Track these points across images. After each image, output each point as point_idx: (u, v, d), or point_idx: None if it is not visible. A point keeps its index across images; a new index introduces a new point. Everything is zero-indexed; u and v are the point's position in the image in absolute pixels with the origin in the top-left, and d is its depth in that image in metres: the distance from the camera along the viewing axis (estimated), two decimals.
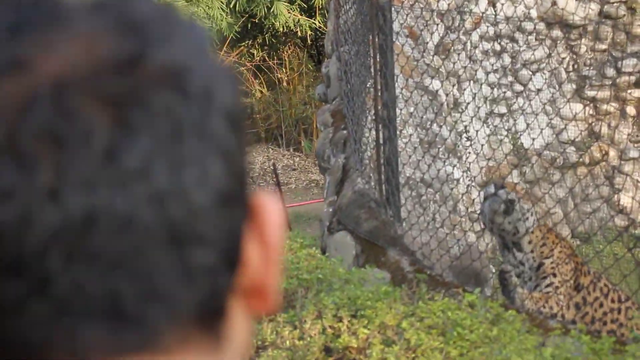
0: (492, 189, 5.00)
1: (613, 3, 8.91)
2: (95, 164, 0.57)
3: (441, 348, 3.91)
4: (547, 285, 4.88)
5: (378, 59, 5.37)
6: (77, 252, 0.57)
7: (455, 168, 6.58)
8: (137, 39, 0.60)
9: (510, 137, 8.35)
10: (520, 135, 8.11)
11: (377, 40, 5.39)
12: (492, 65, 8.41)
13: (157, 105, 0.59)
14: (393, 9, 5.37)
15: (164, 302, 0.59)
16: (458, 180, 6.43)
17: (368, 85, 5.95)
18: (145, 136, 0.58)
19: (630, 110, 8.94)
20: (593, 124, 8.91)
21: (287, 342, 4.20)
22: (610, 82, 8.91)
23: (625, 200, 8.56)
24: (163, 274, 0.58)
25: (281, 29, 12.70)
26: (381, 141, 5.51)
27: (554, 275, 4.91)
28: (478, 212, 5.91)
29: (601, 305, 4.99)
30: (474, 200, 7.27)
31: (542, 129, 6.57)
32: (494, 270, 5.43)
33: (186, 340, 0.60)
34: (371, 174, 5.69)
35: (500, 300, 4.37)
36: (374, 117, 5.66)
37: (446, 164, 6.30)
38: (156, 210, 0.58)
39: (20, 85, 0.58)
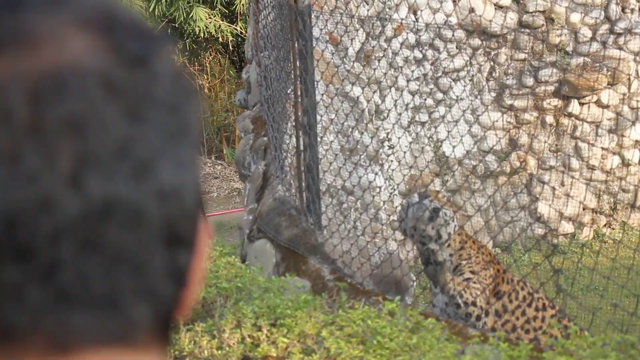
0: (416, 198, 5.02)
1: (532, 13, 9.01)
2: (112, 154, 0.58)
3: (361, 357, 3.86)
4: (464, 280, 4.92)
5: (298, 65, 5.32)
6: (90, 241, 0.58)
7: (376, 176, 6.56)
8: (144, 38, 0.62)
9: (432, 145, 8.37)
10: (442, 143, 8.14)
11: (296, 45, 5.34)
12: (413, 72, 8.42)
13: (166, 102, 0.61)
14: (313, 14, 5.32)
15: (152, 298, 0.60)
16: (380, 188, 6.41)
17: (289, 92, 5.90)
18: (154, 131, 0.59)
19: (549, 119, 9.04)
20: (513, 132, 8.98)
21: (206, 352, 4.11)
22: (529, 91, 9.00)
23: (543, 209, 8.64)
24: (157, 271, 0.60)
25: (202, 35, 12.58)
26: (301, 148, 5.46)
27: (472, 272, 4.95)
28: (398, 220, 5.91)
29: (523, 313, 5.00)
30: (396, 208, 7.27)
31: (462, 137, 6.58)
32: (414, 279, 5.41)
33: (152, 341, 0.61)
34: (292, 181, 5.63)
35: (420, 309, 4.34)
36: (294, 124, 5.60)
37: (367, 171, 6.28)
38: (160, 207, 0.59)
39: (38, 64, 0.58)
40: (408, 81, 8.27)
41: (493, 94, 8.98)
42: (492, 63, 9.01)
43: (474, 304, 4.88)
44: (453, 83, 8.72)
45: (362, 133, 6.60)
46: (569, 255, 7.43)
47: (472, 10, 8.54)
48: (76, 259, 0.57)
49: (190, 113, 0.62)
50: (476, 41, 8.91)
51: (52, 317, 0.58)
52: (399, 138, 7.49)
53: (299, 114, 5.46)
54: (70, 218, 0.57)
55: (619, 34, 9.11)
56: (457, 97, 8.09)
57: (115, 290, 0.59)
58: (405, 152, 7.46)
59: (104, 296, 0.59)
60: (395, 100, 7.01)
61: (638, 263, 6.08)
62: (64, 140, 0.57)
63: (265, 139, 6.31)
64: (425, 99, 8.52)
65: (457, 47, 8.75)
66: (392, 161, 7.47)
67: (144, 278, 0.60)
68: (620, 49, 9.05)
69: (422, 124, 8.46)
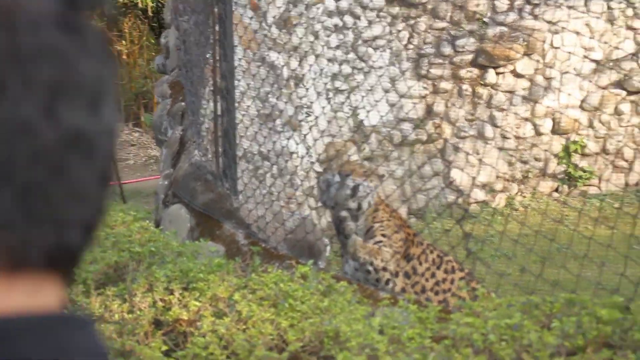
0: (337, 178, 5.04)
1: None
2: (78, 87, 0.63)
3: (272, 319, 3.90)
4: (376, 243, 4.98)
5: (217, 29, 5.30)
6: (59, 168, 0.62)
7: (291, 141, 6.57)
8: None
9: (350, 113, 8.41)
10: (360, 111, 8.19)
11: (216, 9, 5.31)
12: (333, 40, 8.43)
13: (94, 40, 0.66)
14: None
15: (85, 230, 0.65)
16: (294, 154, 6.43)
17: (207, 56, 5.87)
18: (101, 70, 0.65)
19: (466, 88, 9.14)
20: (430, 101, 9.07)
21: (116, 316, 4.10)
22: (448, 61, 9.08)
23: (457, 176, 8.75)
24: (93, 204, 0.64)
25: (120, 0, 12.41)
26: (219, 113, 5.45)
27: (383, 236, 5.01)
28: (315, 189, 5.93)
29: (433, 275, 5.09)
30: (316, 176, 7.30)
31: (376, 102, 6.62)
32: (327, 243, 5.46)
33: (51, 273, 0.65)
34: (208, 147, 5.62)
35: (332, 272, 4.38)
36: (212, 89, 5.58)
37: (283, 137, 6.29)
38: (106, 143, 0.63)
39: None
40: (328, 49, 8.29)
41: (411, 63, 9.04)
42: (411, 31, 9.06)
43: (384, 269, 4.95)
44: (372, 51, 8.75)
45: (277, 97, 6.61)
46: (480, 220, 7.56)
47: None
48: (47, 183, 0.61)
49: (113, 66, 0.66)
50: (396, 9, 8.95)
51: (17, 234, 0.62)
52: (322, 107, 7.51)
53: (217, 78, 5.44)
54: (46, 144, 0.61)
55: (536, 5, 9.23)
56: (378, 66, 8.13)
57: (66, 216, 0.63)
58: (325, 120, 7.49)
59: (59, 220, 0.63)
60: (312, 67, 7.02)
61: (545, 228, 6.22)
62: (40, 69, 0.62)
63: (183, 104, 6.28)
64: (343, 67, 8.54)
65: (377, 15, 8.78)
66: (310, 128, 7.49)
67: (85, 209, 0.64)
68: (536, 19, 9.17)
69: (342, 92, 8.48)
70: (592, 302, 3.79)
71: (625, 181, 9.48)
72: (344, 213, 4.94)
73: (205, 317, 3.94)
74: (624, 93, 9.41)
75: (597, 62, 9.30)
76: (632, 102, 9.43)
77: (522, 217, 7.86)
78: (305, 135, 6.93)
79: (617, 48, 9.31)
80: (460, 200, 8.38)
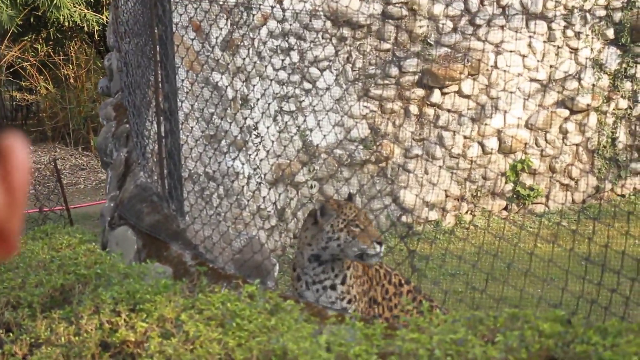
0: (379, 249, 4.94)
1: (395, 4, 9.16)
2: None
3: (220, 339, 3.89)
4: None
5: (158, 50, 5.30)
6: None
7: (237, 162, 6.58)
8: None
9: (299, 134, 8.44)
10: (309, 132, 8.21)
11: (156, 30, 5.31)
12: (281, 62, 8.46)
13: None
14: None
15: None
16: (240, 174, 6.43)
17: (150, 78, 5.86)
18: None
19: (414, 109, 9.21)
20: (378, 122, 9.13)
21: (63, 339, 4.07)
22: (394, 81, 9.16)
23: (407, 196, 8.81)
24: None
25: (67, 24, 12.35)
26: (163, 134, 5.44)
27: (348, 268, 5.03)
28: (265, 207, 5.92)
29: (387, 292, 5.12)
30: (264, 197, 7.31)
31: (321, 123, 6.65)
32: (275, 263, 5.46)
33: None
34: (153, 168, 5.60)
35: (279, 291, 4.38)
36: (155, 110, 5.57)
37: (229, 158, 6.29)
38: None
39: None
40: (272, 70, 8.31)
41: (359, 84, 9.10)
42: (357, 53, 9.13)
43: (353, 297, 4.99)
44: (319, 73, 8.80)
45: (222, 119, 6.61)
46: (427, 237, 7.61)
47: None
48: None
49: None
50: (343, 31, 9.01)
51: None
52: (267, 127, 7.53)
53: (160, 100, 5.43)
54: None
55: (478, 26, 9.35)
56: (326, 87, 8.17)
57: None
58: (273, 141, 7.50)
59: None
60: (255, 87, 7.04)
61: (493, 246, 6.29)
62: None
63: (127, 126, 6.26)
64: (293, 89, 8.57)
65: (322, 37, 8.84)
66: (259, 150, 7.51)
67: None
68: (479, 40, 9.29)
69: (290, 113, 8.51)
70: (535, 316, 3.84)
71: (572, 199, 9.61)
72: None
73: (152, 338, 3.92)
74: (567, 112, 9.55)
75: (540, 82, 9.44)
76: (576, 121, 9.57)
77: (471, 236, 7.94)
78: (251, 156, 6.95)
79: (558, 68, 9.45)
80: (405, 218, 8.44)
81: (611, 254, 4.29)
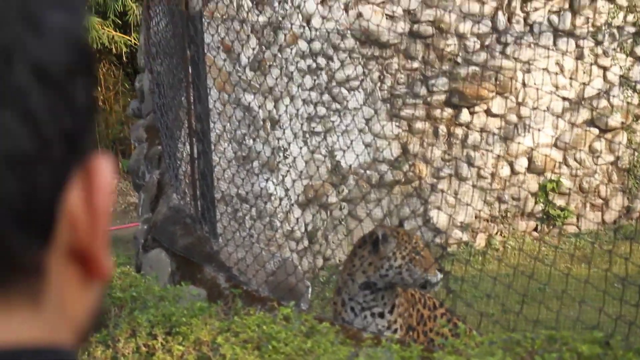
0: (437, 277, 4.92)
1: (422, 22, 9.16)
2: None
3: None
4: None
5: (190, 72, 5.32)
6: None
7: (270, 183, 6.59)
8: None
9: (327, 155, 8.43)
10: (337, 153, 8.21)
11: (188, 52, 5.34)
12: (307, 81, 8.47)
13: None
14: (204, 20, 5.33)
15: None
16: (272, 195, 6.43)
17: (182, 99, 5.89)
18: None
19: (441, 128, 9.20)
20: (406, 141, 9.11)
21: None
22: (422, 101, 9.15)
23: (437, 217, 8.78)
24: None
25: (95, 46, 12.43)
26: (195, 156, 5.45)
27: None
28: (297, 228, 5.90)
29: (422, 316, 5.09)
30: (297, 218, 7.31)
31: (351, 143, 6.65)
32: (309, 285, 5.45)
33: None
34: (186, 190, 5.62)
35: (314, 313, 4.38)
36: (187, 131, 5.59)
37: (261, 179, 6.30)
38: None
39: None
40: (302, 90, 8.32)
41: (387, 104, 9.10)
42: (384, 72, 9.13)
43: (399, 327, 4.97)
44: (347, 93, 8.80)
45: (254, 140, 6.63)
46: (459, 259, 7.59)
47: (359, 15, 8.65)
48: None
49: None
50: (369, 50, 9.01)
51: None
52: (300, 148, 7.54)
53: (193, 121, 5.45)
54: None
55: (506, 44, 9.33)
56: (353, 107, 8.17)
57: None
58: (303, 162, 7.50)
59: None
60: (287, 108, 7.05)
61: (525, 267, 6.24)
62: None
63: (160, 147, 6.28)
64: (321, 110, 8.57)
65: (349, 57, 8.84)
66: (288, 170, 7.52)
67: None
68: (507, 58, 9.27)
69: (318, 134, 8.51)
70: (573, 338, 3.82)
71: (603, 219, 9.55)
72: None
73: None
74: (597, 131, 9.50)
75: (569, 100, 9.40)
76: (606, 139, 9.52)
77: (502, 257, 7.90)
78: (283, 177, 6.95)
79: (587, 86, 9.41)
80: (438, 239, 8.41)
81: None
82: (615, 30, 9.53)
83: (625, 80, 9.53)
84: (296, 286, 5.08)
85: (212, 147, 5.65)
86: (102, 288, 0.65)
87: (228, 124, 6.34)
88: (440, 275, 4.81)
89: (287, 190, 7.05)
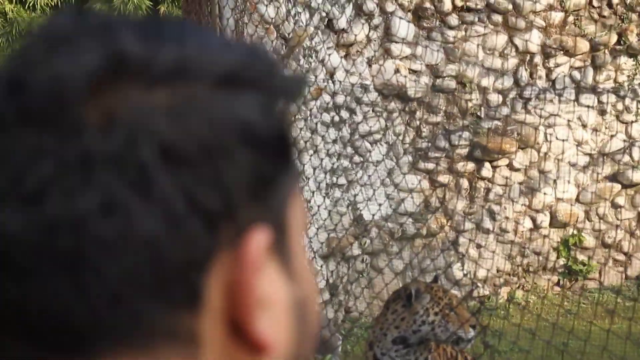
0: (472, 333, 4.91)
1: (445, 77, 9.20)
2: (6, 184, 0.59)
3: None
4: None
5: None
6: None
7: None
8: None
9: (350, 208, 8.43)
10: (360, 206, 8.20)
11: None
12: (330, 135, 8.49)
13: (68, 130, 0.59)
14: None
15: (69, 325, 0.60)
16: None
17: None
18: (50, 160, 0.59)
19: (464, 182, 9.19)
20: (429, 196, 9.10)
21: None
22: (444, 155, 9.15)
23: (458, 272, 8.75)
24: (61, 297, 0.59)
25: None
26: None
27: None
28: (319, 280, 5.85)
29: None
30: (318, 272, 7.28)
31: (373, 196, 6.63)
32: (340, 338, 5.40)
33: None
34: None
35: None
36: None
37: None
38: (44, 236, 0.59)
39: None
40: (325, 143, 8.34)
41: (410, 158, 9.10)
42: (407, 126, 9.15)
43: None
44: (369, 146, 8.81)
45: None
46: (494, 313, 7.55)
47: (382, 69, 8.69)
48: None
49: (115, 137, 0.61)
50: (392, 104, 9.04)
51: None
52: (322, 199, 7.52)
53: None
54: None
55: (528, 99, 9.36)
56: (376, 160, 8.18)
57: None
58: (325, 214, 7.49)
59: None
60: (310, 161, 7.04)
61: (550, 322, 6.18)
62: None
63: None
64: (341, 161, 8.58)
65: (372, 110, 8.87)
66: (310, 224, 7.49)
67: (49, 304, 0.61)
68: (528, 113, 9.29)
69: (340, 186, 8.51)
70: None
71: (625, 274, 9.50)
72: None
73: None
74: (619, 186, 9.49)
75: (591, 155, 9.41)
76: (628, 195, 9.51)
77: (535, 312, 7.86)
78: (307, 230, 6.92)
79: (609, 142, 9.42)
80: (476, 293, 8.37)
81: None
82: (637, 87, 9.56)
83: None
84: (329, 339, 5.03)
85: None
86: None
87: None
88: (473, 332, 4.77)
89: (310, 241, 7.02)
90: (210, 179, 0.61)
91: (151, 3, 12.92)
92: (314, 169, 7.81)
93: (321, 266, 7.30)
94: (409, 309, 4.83)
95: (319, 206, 7.44)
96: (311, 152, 7.91)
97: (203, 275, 0.62)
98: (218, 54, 0.64)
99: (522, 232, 9.26)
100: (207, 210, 0.61)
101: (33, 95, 0.60)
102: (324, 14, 8.82)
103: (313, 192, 7.54)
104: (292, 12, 8.64)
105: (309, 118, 8.21)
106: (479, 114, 9.27)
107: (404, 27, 9.05)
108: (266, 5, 8.49)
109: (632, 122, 9.56)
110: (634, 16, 9.62)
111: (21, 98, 0.60)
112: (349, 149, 8.69)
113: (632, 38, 9.56)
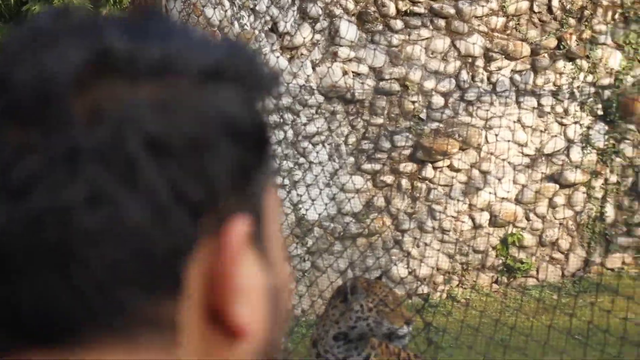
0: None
1: (388, 80, 9.33)
2: None
3: None
4: None
5: None
6: None
7: None
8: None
9: (293, 208, 8.51)
10: (302, 206, 8.29)
11: None
12: (277, 136, 8.57)
13: (55, 124, 0.60)
14: None
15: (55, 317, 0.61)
16: None
17: None
18: (37, 154, 0.60)
19: (405, 182, 9.32)
20: (370, 195, 9.22)
21: None
22: (387, 156, 9.27)
23: (400, 270, 8.88)
24: (47, 288, 0.60)
25: None
26: None
27: None
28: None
29: None
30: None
31: (317, 197, 6.73)
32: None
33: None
34: None
35: None
36: None
37: None
38: (30, 228, 0.59)
39: None
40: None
41: (352, 159, 9.21)
42: (351, 128, 9.25)
43: None
44: (313, 147, 8.91)
45: None
46: (440, 309, 7.66)
47: (327, 72, 8.79)
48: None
49: (102, 131, 0.61)
50: (335, 106, 9.14)
51: None
52: None
53: None
54: None
55: (469, 102, 9.51)
56: (319, 161, 8.27)
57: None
58: None
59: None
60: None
61: (488, 319, 6.32)
62: None
63: None
64: (286, 163, 8.66)
65: (317, 112, 8.97)
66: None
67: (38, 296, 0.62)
68: (470, 115, 9.45)
69: (283, 187, 8.59)
70: None
71: (562, 272, 9.69)
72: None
73: None
74: (557, 187, 9.68)
75: (530, 156, 9.59)
76: (565, 195, 9.71)
77: (477, 309, 8.00)
78: None
79: (547, 143, 9.61)
80: (416, 290, 8.48)
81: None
82: (575, 90, 9.76)
83: (584, 138, 9.75)
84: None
85: None
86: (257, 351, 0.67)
87: None
88: (407, 328, 4.82)
89: None
90: (195, 170, 0.62)
91: (92, 6, 12.90)
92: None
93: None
94: (347, 305, 4.88)
95: None
96: None
97: (186, 264, 0.63)
98: (201, 50, 0.65)
99: (462, 231, 9.42)
100: (192, 201, 0.62)
101: (19, 90, 0.60)
102: (268, 18, 8.91)
103: None
104: (238, 16, 8.73)
105: None
106: (421, 116, 9.41)
107: (347, 30, 9.16)
108: (214, 8, 8.58)
109: (570, 124, 9.76)
110: (573, 21, 9.83)
111: (7, 94, 0.61)
112: (293, 151, 8.78)
113: (571, 42, 9.77)
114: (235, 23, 8.68)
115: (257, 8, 8.86)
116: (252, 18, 8.86)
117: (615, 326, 5.66)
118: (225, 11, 8.76)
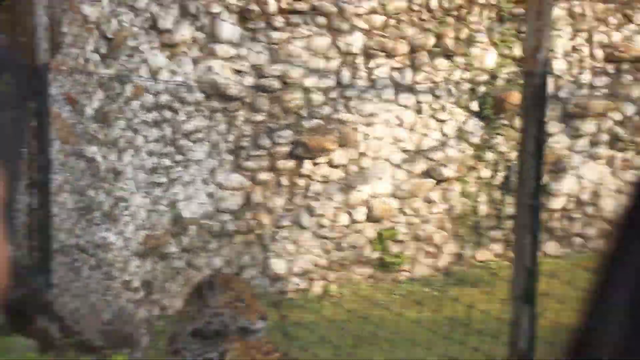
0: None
1: (268, 77, 9.40)
2: None
3: None
4: None
5: (33, 123, 5.39)
6: None
7: (111, 234, 6.64)
8: None
9: (169, 206, 8.52)
10: (180, 204, 8.31)
11: (33, 104, 5.41)
12: (152, 134, 8.56)
13: None
14: (50, 73, 5.41)
15: None
16: (113, 245, 6.49)
17: (24, 150, 5.93)
18: None
19: (284, 179, 9.41)
20: (249, 192, 9.28)
21: None
22: (266, 152, 9.35)
23: (277, 265, 8.99)
24: None
25: None
26: (34, 206, 5.50)
27: None
28: (135, 278, 5.96)
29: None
30: (135, 269, 7.36)
31: (194, 195, 6.77)
32: (145, 333, 5.53)
33: None
34: (23, 241, 5.64)
35: None
36: (28, 183, 5.64)
37: (101, 229, 6.36)
38: None
39: None
40: (147, 142, 8.41)
41: (231, 156, 9.25)
42: (231, 125, 9.30)
43: None
44: (192, 144, 8.93)
45: (96, 191, 6.69)
46: (297, 305, 7.77)
47: (208, 69, 8.82)
48: None
49: None
50: (215, 103, 9.17)
51: None
52: (142, 198, 7.60)
53: (33, 172, 5.51)
54: None
55: (349, 99, 9.65)
56: (197, 159, 8.29)
57: None
58: (142, 214, 7.56)
59: None
60: (141, 162, 7.13)
61: (360, 313, 6.45)
62: None
63: None
64: (162, 160, 8.66)
65: (195, 110, 8.98)
66: (128, 221, 7.57)
67: None
68: (350, 112, 9.59)
69: (160, 184, 8.59)
70: None
71: (436, 265, 9.94)
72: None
73: None
74: (433, 182, 9.91)
75: (408, 152, 9.80)
76: (441, 189, 9.95)
77: (339, 303, 8.15)
78: (123, 227, 7.02)
79: (425, 137, 9.82)
80: (278, 286, 8.59)
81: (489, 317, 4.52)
82: (452, 87, 9.99)
83: (460, 134, 10.00)
84: (132, 335, 5.16)
85: (53, 198, 5.70)
86: None
87: (70, 175, 6.40)
88: (262, 323, 4.89)
89: (126, 240, 7.11)
90: None
91: None
92: (135, 168, 7.89)
93: (138, 266, 7.41)
94: (202, 301, 4.94)
95: (137, 206, 7.53)
96: (132, 151, 7.99)
97: None
98: None
99: (339, 227, 9.56)
100: None
101: None
102: (148, 15, 8.89)
103: (133, 191, 7.63)
104: (116, 13, 8.69)
105: (131, 117, 8.28)
106: (301, 113, 9.51)
107: (229, 29, 9.19)
108: (92, 5, 8.53)
109: (447, 120, 9.99)
110: (451, 20, 10.05)
111: None
112: (171, 148, 8.79)
113: (449, 40, 10.00)
114: (114, 20, 8.64)
115: (136, 5, 8.83)
116: (131, 15, 8.83)
117: (478, 319, 5.86)
118: (103, 7, 8.72)
